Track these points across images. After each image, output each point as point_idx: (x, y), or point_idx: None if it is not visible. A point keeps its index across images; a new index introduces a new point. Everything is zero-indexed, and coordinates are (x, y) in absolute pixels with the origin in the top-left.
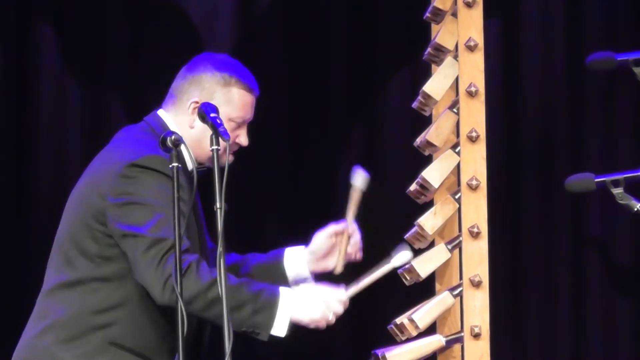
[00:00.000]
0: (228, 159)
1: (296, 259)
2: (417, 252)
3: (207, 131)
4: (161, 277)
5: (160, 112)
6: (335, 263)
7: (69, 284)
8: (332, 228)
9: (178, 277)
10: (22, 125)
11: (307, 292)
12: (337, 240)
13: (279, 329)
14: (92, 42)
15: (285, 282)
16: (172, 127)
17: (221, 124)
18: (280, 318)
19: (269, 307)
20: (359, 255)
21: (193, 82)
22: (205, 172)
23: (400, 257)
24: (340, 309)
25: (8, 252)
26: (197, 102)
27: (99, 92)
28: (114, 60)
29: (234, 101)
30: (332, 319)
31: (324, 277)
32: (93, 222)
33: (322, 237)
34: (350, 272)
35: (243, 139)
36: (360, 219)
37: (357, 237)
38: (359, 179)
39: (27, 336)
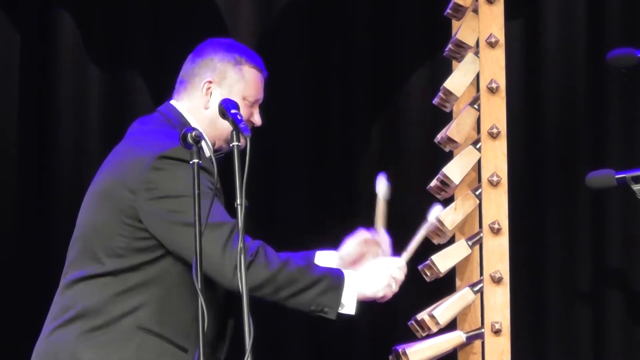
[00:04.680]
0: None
1: (326, 263)
2: (437, 248)
3: None
4: (230, 262)
5: (173, 102)
6: None
7: (95, 276)
8: (362, 235)
9: (199, 265)
10: (43, 112)
11: (368, 268)
12: (367, 248)
13: (348, 307)
14: (113, 27)
15: None
16: (186, 115)
17: (242, 120)
18: (348, 297)
19: (336, 287)
20: None
21: (203, 65)
22: (222, 159)
23: (435, 212)
24: (401, 275)
25: (29, 246)
26: (210, 82)
27: (120, 78)
28: (135, 46)
29: (247, 79)
30: (395, 288)
31: None
32: (122, 216)
33: (352, 244)
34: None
35: (257, 118)
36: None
37: (386, 246)
38: (382, 188)
39: (47, 331)
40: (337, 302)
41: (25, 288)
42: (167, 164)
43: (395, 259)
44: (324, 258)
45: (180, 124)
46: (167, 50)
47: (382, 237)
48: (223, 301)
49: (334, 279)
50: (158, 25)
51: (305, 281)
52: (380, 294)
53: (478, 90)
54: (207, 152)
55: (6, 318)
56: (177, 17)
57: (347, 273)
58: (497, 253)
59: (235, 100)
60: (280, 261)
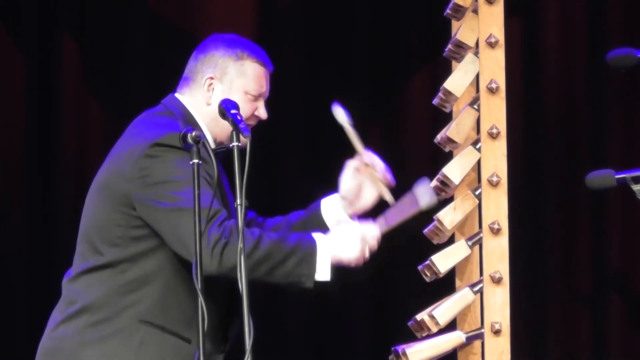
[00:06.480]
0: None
1: (333, 207)
2: (437, 248)
3: None
4: (207, 247)
5: (177, 95)
6: (376, 196)
7: (96, 268)
8: (351, 165)
9: (198, 263)
10: (46, 133)
11: (341, 232)
12: (362, 176)
13: (323, 274)
14: (113, 52)
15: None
16: (189, 108)
17: (242, 120)
18: (322, 263)
19: (309, 255)
20: (389, 179)
21: (205, 62)
22: (224, 154)
23: (425, 196)
24: (374, 244)
25: (35, 251)
26: (212, 78)
27: (120, 101)
28: (134, 69)
29: (248, 74)
30: (367, 256)
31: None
32: (119, 206)
33: (346, 179)
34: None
35: (262, 111)
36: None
37: (377, 162)
38: (340, 115)
39: (53, 325)
40: (313, 269)
41: (30, 285)
42: (160, 151)
43: (372, 227)
44: (329, 203)
45: (183, 116)
46: (165, 76)
47: (368, 157)
48: (224, 295)
49: (307, 247)
50: (159, 28)
51: (279, 254)
52: (353, 261)
53: (478, 90)
54: (211, 144)
55: (9, 316)
56: (176, 45)
57: (318, 238)
58: (497, 253)
59: (237, 95)
60: (253, 239)
